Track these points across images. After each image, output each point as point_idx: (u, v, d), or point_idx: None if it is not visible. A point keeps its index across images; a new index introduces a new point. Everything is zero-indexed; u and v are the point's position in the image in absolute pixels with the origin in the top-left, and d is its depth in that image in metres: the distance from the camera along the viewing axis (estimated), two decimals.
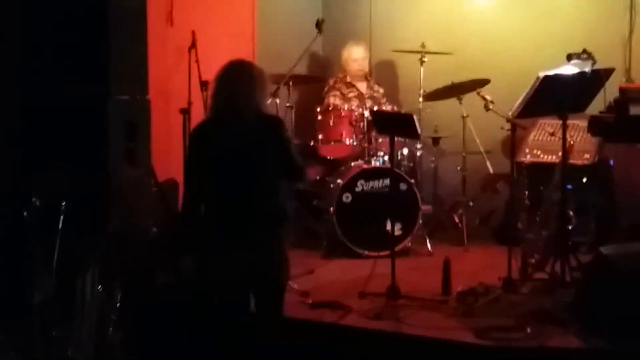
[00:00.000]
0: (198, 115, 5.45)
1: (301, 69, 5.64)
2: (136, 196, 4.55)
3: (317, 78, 6.54)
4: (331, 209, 5.73)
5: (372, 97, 6.41)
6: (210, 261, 3.76)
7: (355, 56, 6.44)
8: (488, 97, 5.13)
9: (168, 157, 5.48)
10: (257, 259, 3.69)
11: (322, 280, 5.25)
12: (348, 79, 6.48)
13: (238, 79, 3.72)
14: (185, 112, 5.42)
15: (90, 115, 4.29)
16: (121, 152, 4.40)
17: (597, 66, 4.54)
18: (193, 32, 5.41)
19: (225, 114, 3.70)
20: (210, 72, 5.55)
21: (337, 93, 6.36)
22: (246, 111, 3.65)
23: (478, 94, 5.21)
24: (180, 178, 5.46)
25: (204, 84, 5.48)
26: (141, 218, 4.59)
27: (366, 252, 5.66)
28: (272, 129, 3.72)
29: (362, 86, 6.49)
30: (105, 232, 4.24)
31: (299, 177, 3.88)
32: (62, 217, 4.03)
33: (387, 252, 4.95)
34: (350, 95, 6.41)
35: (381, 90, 6.53)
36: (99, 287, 4.14)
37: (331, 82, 6.46)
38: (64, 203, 4.01)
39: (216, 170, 3.71)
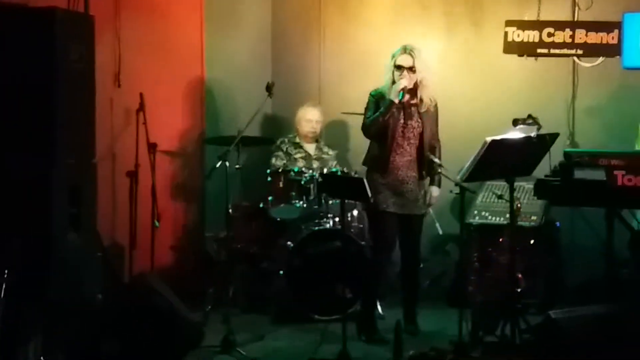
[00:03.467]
0: (146, 177, 5.39)
1: (251, 131, 5.63)
2: (80, 262, 4.44)
3: (266, 140, 6.54)
4: (281, 272, 5.67)
5: (320, 159, 6.42)
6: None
7: (310, 117, 6.45)
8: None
9: (114, 221, 5.38)
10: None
11: (272, 346, 5.16)
12: (297, 140, 6.48)
13: None
14: (133, 174, 5.35)
15: (34, 180, 4.21)
16: (65, 218, 4.31)
17: (542, 131, 4.63)
18: (141, 95, 5.38)
19: None
20: (159, 134, 5.55)
21: (280, 153, 6.34)
22: None
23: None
24: (126, 243, 5.37)
25: (151, 146, 5.43)
26: (86, 285, 4.48)
27: (317, 316, 5.59)
28: None
29: (311, 147, 6.49)
30: (48, 300, 4.12)
31: None
32: (4, 285, 3.92)
33: (339, 316, 4.90)
34: (297, 155, 6.39)
35: (331, 153, 6.52)
36: (41, 358, 4.03)
37: (277, 142, 6.44)
38: (6, 271, 3.91)
39: None
